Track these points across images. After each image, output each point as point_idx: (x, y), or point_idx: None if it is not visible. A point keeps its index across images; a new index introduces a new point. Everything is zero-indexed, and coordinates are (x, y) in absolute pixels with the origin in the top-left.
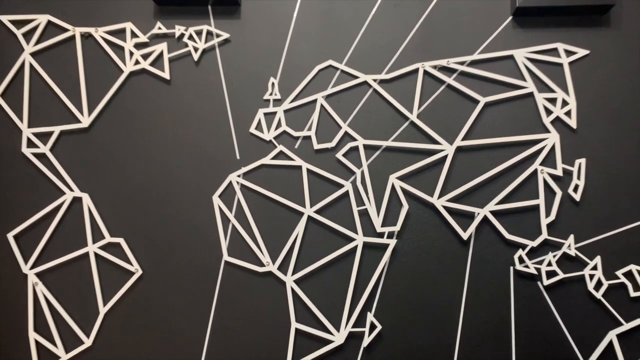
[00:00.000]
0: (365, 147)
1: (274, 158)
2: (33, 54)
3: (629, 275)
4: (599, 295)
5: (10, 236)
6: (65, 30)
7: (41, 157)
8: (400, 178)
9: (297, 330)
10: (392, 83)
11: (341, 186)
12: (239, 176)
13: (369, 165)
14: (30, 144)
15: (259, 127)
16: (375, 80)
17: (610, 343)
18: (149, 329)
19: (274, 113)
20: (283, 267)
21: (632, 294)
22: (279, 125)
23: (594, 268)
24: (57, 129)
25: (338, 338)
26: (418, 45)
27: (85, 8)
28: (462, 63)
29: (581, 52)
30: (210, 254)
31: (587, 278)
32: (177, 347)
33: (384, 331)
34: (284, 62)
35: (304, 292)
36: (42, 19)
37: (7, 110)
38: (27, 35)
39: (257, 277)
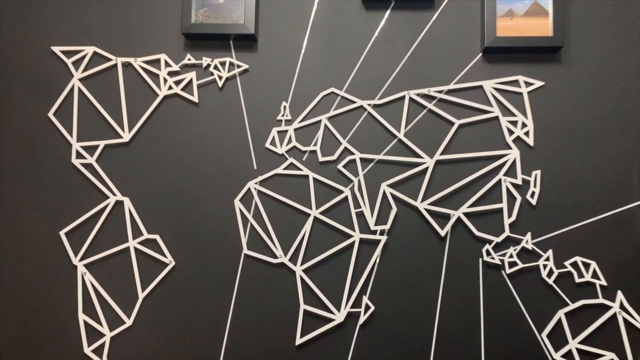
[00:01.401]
0: (361, 159)
1: (285, 168)
2: (81, 80)
3: (574, 265)
4: (550, 281)
5: (62, 233)
6: (109, 59)
7: (88, 166)
8: (390, 185)
9: (305, 311)
10: (383, 107)
11: (341, 192)
12: (256, 183)
13: (364, 174)
14: (79, 155)
15: (273, 142)
16: (369, 105)
17: (560, 320)
18: (181, 311)
19: (286, 131)
20: (293, 259)
21: (577, 280)
22: (289, 141)
23: (547, 259)
24: (101, 143)
25: (339, 317)
26: (404, 76)
27: (125, 41)
28: (440, 91)
29: (538, 83)
30: (232, 248)
31: (542, 267)
32: (204, 325)
33: (377, 311)
34: (294, 88)
35: (311, 280)
36: (88, 50)
37: (59, 127)
38: (76, 64)
39: (271, 267)
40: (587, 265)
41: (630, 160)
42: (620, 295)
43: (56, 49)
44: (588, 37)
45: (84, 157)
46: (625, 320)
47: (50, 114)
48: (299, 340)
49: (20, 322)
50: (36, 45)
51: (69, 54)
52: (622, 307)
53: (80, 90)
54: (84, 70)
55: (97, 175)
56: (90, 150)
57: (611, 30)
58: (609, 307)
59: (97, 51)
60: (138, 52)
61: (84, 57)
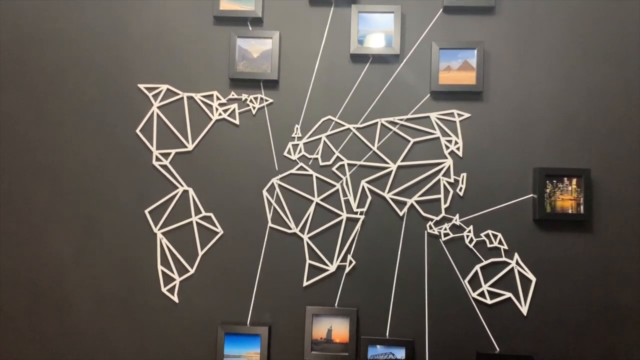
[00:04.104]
0: (348, 164)
1: (297, 169)
2: (158, 107)
3: (487, 236)
4: (471, 246)
5: (146, 211)
6: (177, 94)
7: (164, 167)
8: (367, 182)
9: (309, 264)
10: (363, 129)
11: (334, 186)
12: (277, 179)
13: (350, 174)
14: (157, 159)
15: (289, 152)
16: (354, 128)
17: (477, 271)
18: (227, 264)
19: (298, 144)
20: (302, 230)
21: (489, 245)
22: (300, 151)
23: (469, 232)
24: (173, 151)
25: (331, 268)
26: (377, 108)
27: (189, 81)
28: (402, 119)
29: (466, 115)
30: (261, 222)
31: (465, 237)
32: (242, 274)
33: (357, 265)
34: (303, 115)
35: (314, 244)
36: (163, 87)
37: (144, 139)
38: (155, 96)
39: (287, 236)
40: (495, 236)
41: (527, 167)
42: (516, 256)
43: (141, 86)
44: (500, 85)
45: (161, 160)
46: (519, 272)
47: (137, 131)
48: (305, 283)
49: (118, 273)
50: (127, 83)
51: (150, 89)
52: (517, 263)
53: (158, 114)
54: (160, 101)
55: (170, 173)
56: (165, 155)
57: (516, 81)
58: (508, 263)
59: (169, 88)
60: (198, 89)
61: (160, 92)
